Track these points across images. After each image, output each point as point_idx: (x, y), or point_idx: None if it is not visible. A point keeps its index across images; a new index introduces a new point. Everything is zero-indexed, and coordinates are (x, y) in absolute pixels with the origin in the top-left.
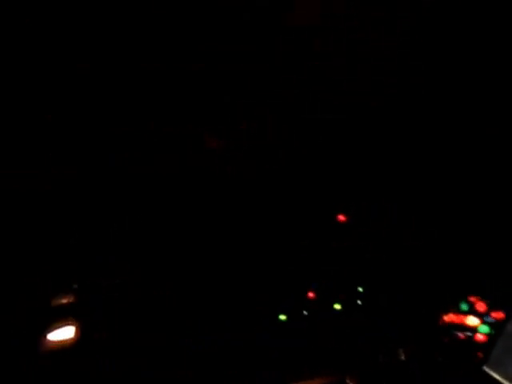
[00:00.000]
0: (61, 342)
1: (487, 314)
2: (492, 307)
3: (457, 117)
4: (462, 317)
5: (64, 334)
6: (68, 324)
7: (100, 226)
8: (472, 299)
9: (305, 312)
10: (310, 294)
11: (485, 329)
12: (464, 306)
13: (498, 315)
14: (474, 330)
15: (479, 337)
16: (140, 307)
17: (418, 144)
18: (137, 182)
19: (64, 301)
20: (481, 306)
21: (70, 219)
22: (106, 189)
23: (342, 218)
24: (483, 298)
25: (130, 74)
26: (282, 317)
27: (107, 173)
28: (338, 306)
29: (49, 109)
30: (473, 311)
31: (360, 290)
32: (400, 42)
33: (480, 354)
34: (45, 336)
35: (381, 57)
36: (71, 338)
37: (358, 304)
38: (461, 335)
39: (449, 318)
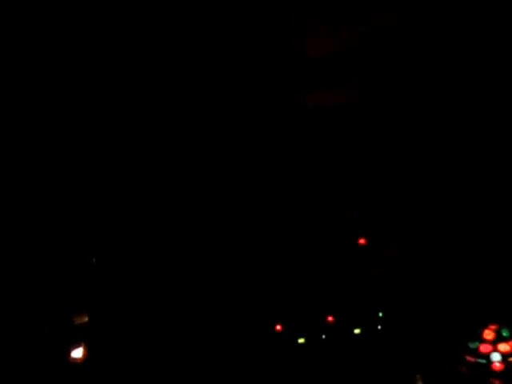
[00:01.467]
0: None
1: (504, 341)
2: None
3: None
4: (482, 344)
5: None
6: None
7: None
8: (493, 327)
9: (323, 336)
10: (329, 318)
11: (498, 357)
12: (487, 334)
13: None
14: (491, 358)
15: (496, 365)
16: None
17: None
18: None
19: (86, 319)
20: (498, 334)
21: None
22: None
23: (362, 241)
24: (505, 326)
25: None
26: (301, 340)
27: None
28: (357, 331)
29: None
30: (489, 339)
31: (380, 314)
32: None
33: (498, 383)
34: (69, 354)
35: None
36: (84, 356)
37: (378, 329)
38: (479, 363)
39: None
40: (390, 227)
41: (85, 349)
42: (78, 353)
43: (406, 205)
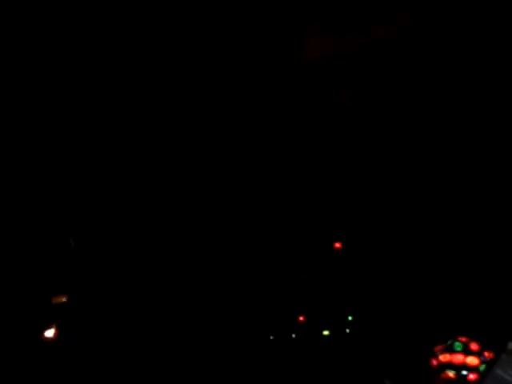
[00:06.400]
0: (57, 338)
1: (479, 354)
2: (484, 348)
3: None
4: (452, 355)
5: (61, 331)
6: (66, 322)
7: (98, 225)
8: (463, 339)
9: (293, 335)
10: (300, 318)
11: (476, 368)
12: (457, 346)
13: (490, 355)
14: (463, 368)
15: (470, 376)
16: (137, 307)
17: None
18: (136, 182)
19: (64, 299)
20: (474, 346)
21: (68, 218)
22: (104, 188)
23: (337, 245)
24: (474, 339)
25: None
26: (271, 337)
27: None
28: (326, 332)
29: None
30: (464, 351)
31: (350, 318)
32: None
33: None
34: (43, 333)
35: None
36: (65, 335)
37: (346, 332)
38: (450, 374)
39: (439, 355)
40: (366, 233)
41: (60, 328)
42: (52, 332)
43: (381, 211)
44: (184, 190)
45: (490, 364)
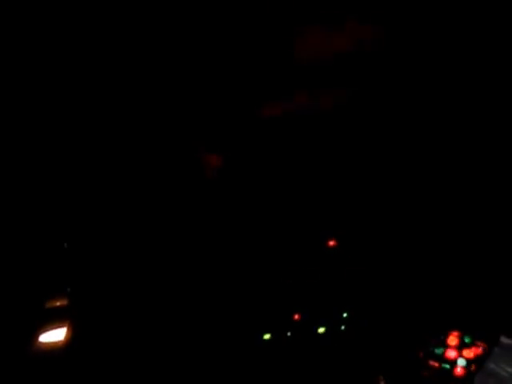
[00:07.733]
0: (53, 343)
1: (467, 348)
2: (472, 342)
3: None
4: (442, 350)
5: (56, 336)
6: (61, 326)
7: (94, 226)
8: (454, 333)
9: (288, 333)
10: (295, 316)
11: (463, 363)
12: (449, 340)
13: (478, 350)
14: (453, 363)
15: (458, 371)
16: (134, 312)
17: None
18: (132, 182)
19: (58, 303)
20: (461, 340)
21: (63, 219)
22: (100, 187)
23: (332, 242)
24: (465, 333)
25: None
26: (266, 336)
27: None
28: (321, 330)
29: None
30: (453, 345)
31: (345, 315)
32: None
33: None
34: (37, 337)
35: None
36: (62, 340)
37: (341, 329)
38: (440, 367)
39: (433, 350)
40: (360, 229)
41: (58, 332)
42: (48, 337)
43: (375, 207)
44: (180, 187)
45: (482, 358)
